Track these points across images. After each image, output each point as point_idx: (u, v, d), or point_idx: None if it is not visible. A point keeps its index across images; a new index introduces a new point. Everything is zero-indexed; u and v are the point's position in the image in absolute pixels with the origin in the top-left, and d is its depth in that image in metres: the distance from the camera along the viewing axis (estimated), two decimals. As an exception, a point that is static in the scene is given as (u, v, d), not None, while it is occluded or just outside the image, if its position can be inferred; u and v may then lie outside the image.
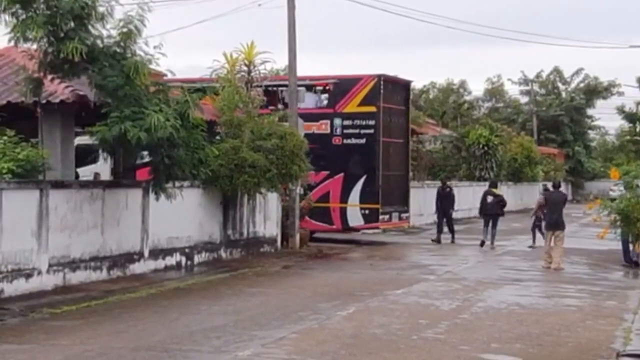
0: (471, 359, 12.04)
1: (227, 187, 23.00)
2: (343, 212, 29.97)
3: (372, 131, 29.82)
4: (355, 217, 30.02)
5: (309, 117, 28.94)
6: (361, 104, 29.67)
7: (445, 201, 32.16)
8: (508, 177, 58.32)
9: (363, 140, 29.81)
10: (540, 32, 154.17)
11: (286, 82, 28.78)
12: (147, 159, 20.93)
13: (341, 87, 30.02)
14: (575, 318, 15.69)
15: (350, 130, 29.91)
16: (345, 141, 29.80)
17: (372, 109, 29.72)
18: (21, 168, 17.17)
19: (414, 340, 13.21)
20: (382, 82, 30.03)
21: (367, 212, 29.82)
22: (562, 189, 28.45)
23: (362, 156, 29.82)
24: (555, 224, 24.45)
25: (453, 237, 31.56)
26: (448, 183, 34.30)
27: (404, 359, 11.92)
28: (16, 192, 16.62)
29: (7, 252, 16.23)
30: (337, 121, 29.85)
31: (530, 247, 29.95)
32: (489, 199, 30.68)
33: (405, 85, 32.81)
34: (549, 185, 27.96)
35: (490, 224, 30.00)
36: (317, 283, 20.08)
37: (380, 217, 30.11)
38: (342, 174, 29.40)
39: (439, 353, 12.35)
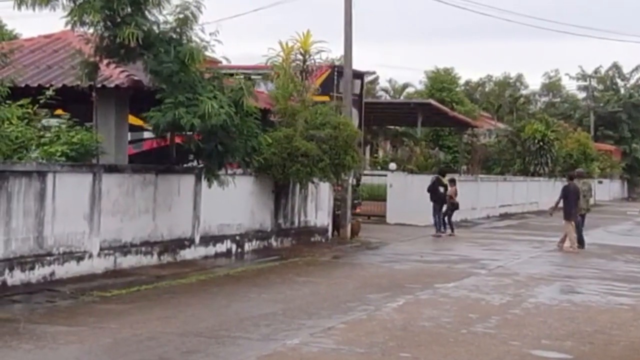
0: (521, 354, 11.88)
1: (280, 175, 23.00)
2: None
3: None
4: None
5: None
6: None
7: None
8: (563, 172, 57.70)
9: None
10: (600, 27, 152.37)
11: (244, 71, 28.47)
12: None
13: None
14: (628, 317, 15.43)
15: None
16: None
17: (326, 98, 29.64)
18: (75, 151, 17.28)
19: (463, 334, 13.08)
20: (336, 72, 30.27)
21: None
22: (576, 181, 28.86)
23: None
24: (570, 214, 27.02)
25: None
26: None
27: (453, 353, 11.79)
28: (69, 175, 16.72)
29: (59, 235, 16.35)
30: None
31: (435, 235, 30.94)
32: (441, 189, 31.52)
33: (359, 76, 33.10)
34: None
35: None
36: (367, 274, 20.01)
37: None
38: None
39: (488, 348, 12.20)
